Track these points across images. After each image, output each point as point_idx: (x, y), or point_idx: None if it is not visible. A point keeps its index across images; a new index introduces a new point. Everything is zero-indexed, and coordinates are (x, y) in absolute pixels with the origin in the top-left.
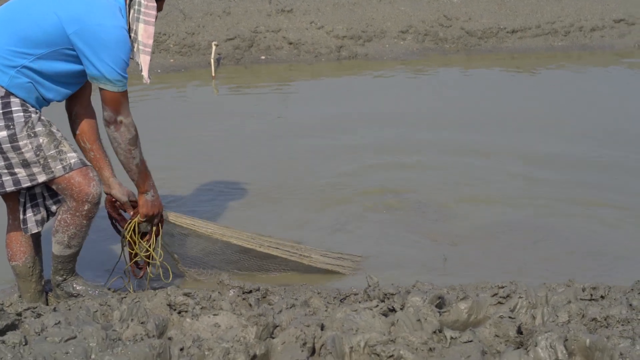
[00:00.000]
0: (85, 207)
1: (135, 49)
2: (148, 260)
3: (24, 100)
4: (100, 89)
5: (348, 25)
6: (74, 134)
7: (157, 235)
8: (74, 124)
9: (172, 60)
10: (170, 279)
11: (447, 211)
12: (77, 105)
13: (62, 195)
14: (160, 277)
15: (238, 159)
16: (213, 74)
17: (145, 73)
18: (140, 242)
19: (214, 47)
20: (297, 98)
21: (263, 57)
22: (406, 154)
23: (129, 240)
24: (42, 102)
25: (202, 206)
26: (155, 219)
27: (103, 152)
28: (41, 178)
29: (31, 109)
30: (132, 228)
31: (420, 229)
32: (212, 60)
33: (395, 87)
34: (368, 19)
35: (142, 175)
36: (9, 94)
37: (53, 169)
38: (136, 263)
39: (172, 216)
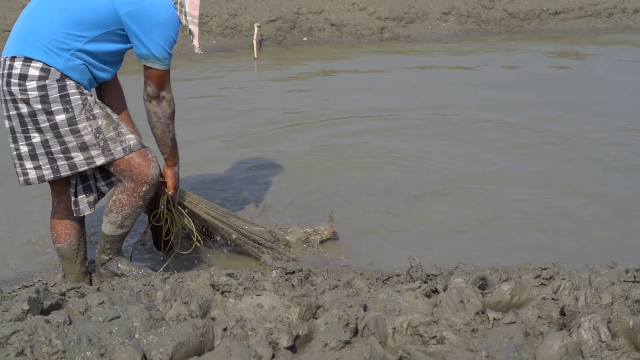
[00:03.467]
0: (144, 188)
1: (183, 21)
2: (185, 231)
3: (78, 83)
4: (145, 67)
5: (390, 7)
6: None
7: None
8: (102, 95)
9: (214, 42)
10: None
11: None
12: None
13: (120, 176)
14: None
15: (284, 142)
16: (255, 56)
17: (196, 43)
18: (178, 212)
19: (256, 29)
20: (339, 81)
21: (305, 39)
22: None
23: (160, 213)
24: (93, 82)
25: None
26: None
27: (132, 122)
28: (100, 161)
29: (86, 91)
30: (166, 200)
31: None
32: (254, 42)
33: (438, 69)
34: (410, 0)
35: (173, 149)
36: (64, 76)
37: (113, 151)
38: (166, 236)
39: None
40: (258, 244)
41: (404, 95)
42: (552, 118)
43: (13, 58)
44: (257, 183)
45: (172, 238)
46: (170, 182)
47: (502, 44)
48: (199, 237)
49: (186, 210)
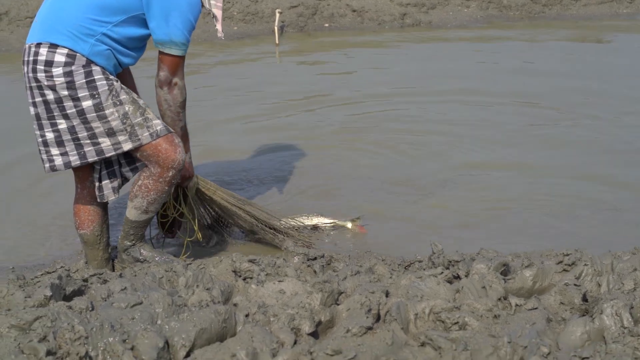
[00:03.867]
0: (170, 174)
1: (207, 5)
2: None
3: (104, 68)
4: (160, 52)
5: None
6: None
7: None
8: None
9: (235, 28)
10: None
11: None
12: None
13: (146, 162)
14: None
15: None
16: (276, 42)
17: (219, 27)
18: (192, 202)
19: (277, 15)
20: (360, 66)
21: (326, 25)
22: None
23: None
24: (118, 68)
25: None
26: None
27: None
28: (127, 146)
29: (112, 77)
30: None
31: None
32: (275, 28)
33: (461, 55)
34: None
35: (184, 137)
36: (90, 62)
37: (140, 137)
38: (171, 226)
39: (200, 181)
40: (275, 230)
41: (427, 80)
42: (575, 102)
43: (38, 45)
44: (279, 167)
45: (175, 221)
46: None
47: (523, 29)
48: (197, 230)
49: (206, 196)
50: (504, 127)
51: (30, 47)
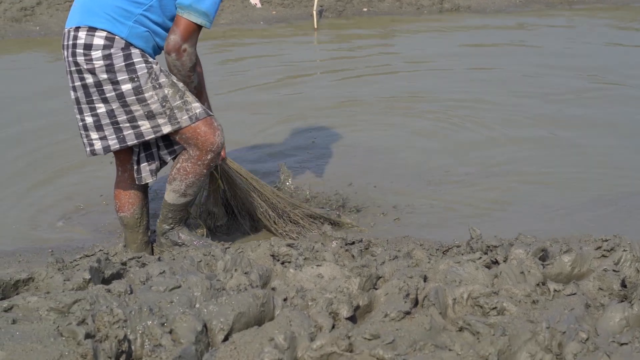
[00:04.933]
0: (209, 157)
1: None
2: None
3: (143, 51)
4: (178, 14)
5: None
6: None
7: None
8: None
9: (274, 12)
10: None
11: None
12: None
13: (185, 144)
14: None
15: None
16: (315, 26)
17: None
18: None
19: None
20: (399, 52)
21: (365, 9)
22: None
23: None
24: (157, 50)
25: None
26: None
27: None
28: (166, 129)
29: (151, 59)
30: None
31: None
32: (314, 12)
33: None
34: None
35: (199, 93)
36: (128, 44)
37: (179, 119)
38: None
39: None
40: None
41: (466, 68)
42: (615, 87)
43: (77, 28)
44: (312, 155)
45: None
46: None
47: (562, 13)
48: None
49: (230, 172)
50: (544, 113)
51: (69, 32)
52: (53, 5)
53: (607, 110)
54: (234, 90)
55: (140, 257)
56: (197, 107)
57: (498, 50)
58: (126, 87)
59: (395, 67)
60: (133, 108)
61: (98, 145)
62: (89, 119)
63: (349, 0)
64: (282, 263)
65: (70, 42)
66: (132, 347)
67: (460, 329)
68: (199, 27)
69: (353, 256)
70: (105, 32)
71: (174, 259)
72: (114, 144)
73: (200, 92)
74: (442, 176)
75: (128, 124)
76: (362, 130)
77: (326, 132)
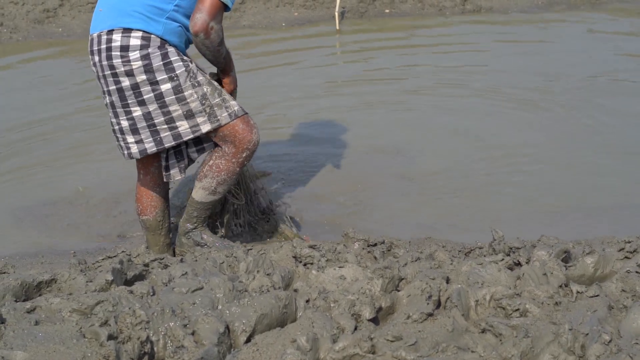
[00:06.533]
0: (244, 154)
1: None
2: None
3: (177, 48)
4: None
5: None
6: None
7: None
8: None
9: (296, 14)
10: None
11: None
12: None
13: (221, 142)
14: None
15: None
16: (337, 28)
17: None
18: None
19: (338, 1)
20: (421, 54)
21: (387, 11)
22: None
23: None
24: (188, 45)
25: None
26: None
27: None
28: (205, 128)
29: (186, 57)
30: None
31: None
32: (336, 14)
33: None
34: None
35: (227, 62)
36: (164, 42)
37: (219, 117)
38: None
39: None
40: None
41: (491, 69)
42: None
43: (110, 31)
44: (326, 157)
45: None
46: (229, 86)
47: (585, 14)
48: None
49: None
50: (567, 117)
51: (100, 36)
52: (75, 7)
53: (626, 107)
54: (261, 93)
55: (163, 259)
56: (234, 104)
57: (522, 51)
58: (165, 86)
59: (414, 73)
60: (172, 108)
61: (134, 149)
62: (125, 123)
63: (371, 2)
64: (305, 264)
65: (104, 46)
66: (155, 349)
67: (483, 331)
68: (224, 5)
69: (375, 258)
70: (141, 32)
71: (196, 261)
72: (150, 147)
73: (229, 61)
74: (462, 177)
75: (165, 126)
76: (382, 131)
77: (348, 133)
